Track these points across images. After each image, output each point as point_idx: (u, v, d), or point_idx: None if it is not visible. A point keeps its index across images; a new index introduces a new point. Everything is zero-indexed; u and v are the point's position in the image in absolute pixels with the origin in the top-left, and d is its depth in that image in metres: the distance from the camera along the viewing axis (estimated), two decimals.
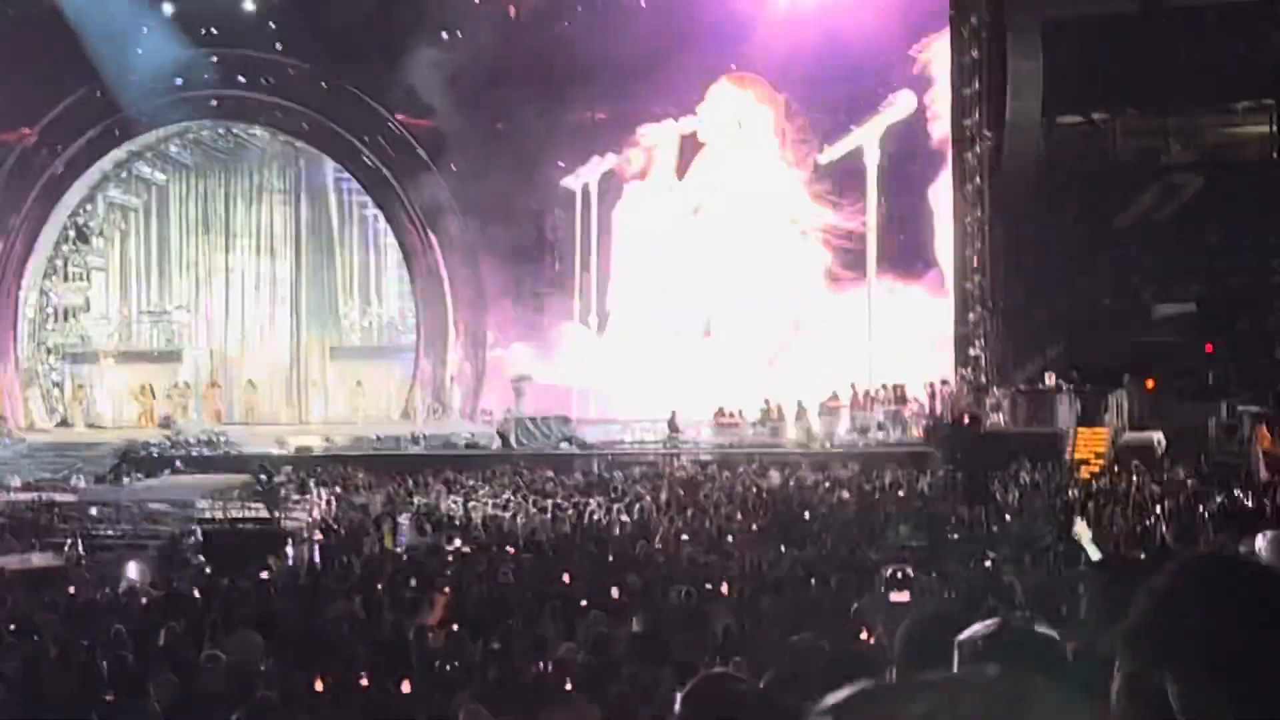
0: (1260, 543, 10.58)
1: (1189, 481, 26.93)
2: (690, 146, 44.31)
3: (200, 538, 25.27)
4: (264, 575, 18.54)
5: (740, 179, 43.93)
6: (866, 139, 42.63)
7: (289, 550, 22.60)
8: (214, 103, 46.44)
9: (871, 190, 42.90)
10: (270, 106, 45.96)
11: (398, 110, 45.07)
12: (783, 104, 43.45)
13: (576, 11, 43.92)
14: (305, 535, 24.95)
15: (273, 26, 45.47)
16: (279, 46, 45.52)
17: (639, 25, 42.81)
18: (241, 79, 45.67)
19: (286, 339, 48.81)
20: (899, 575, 13.07)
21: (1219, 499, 24.52)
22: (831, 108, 42.93)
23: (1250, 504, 24.03)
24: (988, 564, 16.52)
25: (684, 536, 21.66)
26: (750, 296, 43.37)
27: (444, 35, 44.01)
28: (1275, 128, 40.24)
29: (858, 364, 40.72)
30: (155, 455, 39.93)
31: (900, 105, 42.40)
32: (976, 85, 40.02)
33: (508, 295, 44.35)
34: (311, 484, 33.37)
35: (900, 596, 12.25)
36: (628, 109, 43.82)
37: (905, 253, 42.58)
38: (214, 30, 45.18)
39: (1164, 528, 20.97)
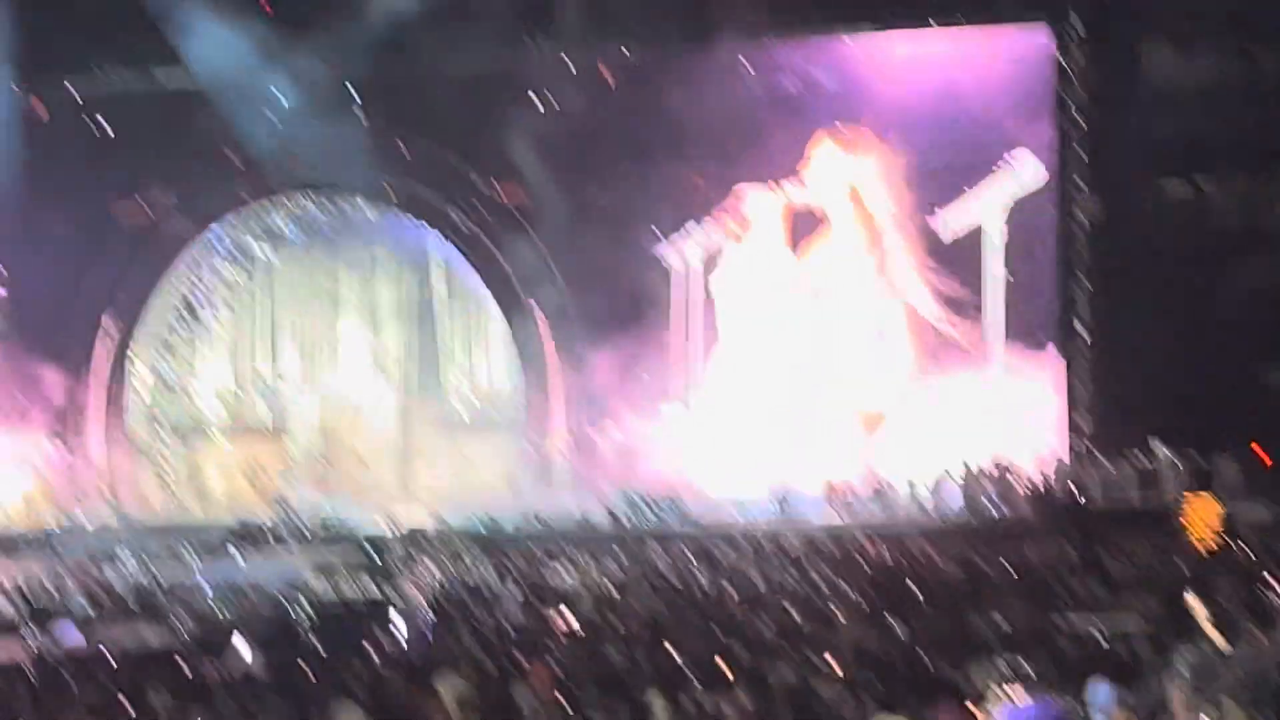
0: None
1: None
2: (799, 215, 43.99)
3: (311, 615, 25.38)
4: (374, 653, 18.59)
5: (853, 247, 43.57)
6: (988, 208, 42.33)
7: (399, 626, 22.65)
8: (315, 174, 46.74)
9: (991, 262, 42.61)
10: (369, 176, 46.20)
11: (494, 177, 45.27)
12: (899, 169, 43.10)
13: (677, 76, 43.45)
14: (415, 611, 24.99)
15: (357, 96, 45.91)
16: (365, 115, 45.97)
17: (742, 87, 42.90)
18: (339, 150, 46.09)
19: (394, 412, 49.03)
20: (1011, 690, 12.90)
21: None
22: (952, 177, 42.64)
23: None
24: (1101, 639, 16.34)
25: (793, 611, 21.54)
26: (859, 369, 43.18)
27: (538, 101, 44.18)
28: None
29: (967, 438, 40.52)
30: (266, 531, 40.20)
31: (1027, 174, 42.03)
32: (1081, 150, 40.04)
33: (613, 368, 44.33)
34: (420, 559, 33.46)
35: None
36: (729, 173, 43.76)
37: (1021, 327, 42.18)
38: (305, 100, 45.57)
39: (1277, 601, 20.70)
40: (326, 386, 49.41)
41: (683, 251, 44.56)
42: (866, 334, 43.38)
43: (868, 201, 43.41)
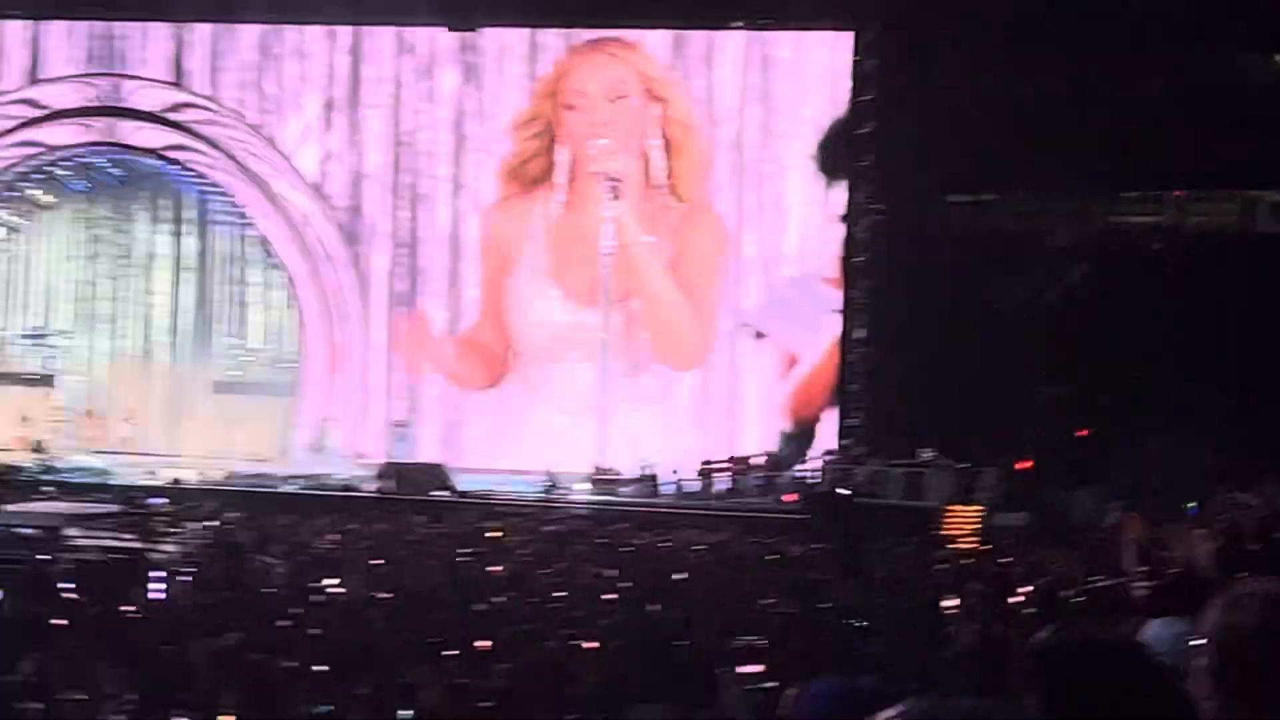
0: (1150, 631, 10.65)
1: (1054, 565, 27.08)
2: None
3: (68, 565, 24.97)
4: (132, 607, 18.32)
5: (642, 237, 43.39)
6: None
7: (159, 583, 22.38)
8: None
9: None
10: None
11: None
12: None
13: None
14: (176, 569, 24.71)
15: None
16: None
17: None
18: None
19: (166, 370, 48.28)
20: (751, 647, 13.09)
21: (1084, 584, 24.71)
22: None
23: (1118, 592, 24.23)
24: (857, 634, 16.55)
25: (555, 592, 21.56)
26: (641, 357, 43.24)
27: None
28: (1159, 218, 40.82)
29: (737, 429, 40.97)
30: (26, 479, 39.52)
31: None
32: (871, 158, 40.50)
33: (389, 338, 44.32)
34: (183, 517, 33.06)
35: (753, 668, 12.18)
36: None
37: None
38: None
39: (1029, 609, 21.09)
40: (98, 338, 48.52)
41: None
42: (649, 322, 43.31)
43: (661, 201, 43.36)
